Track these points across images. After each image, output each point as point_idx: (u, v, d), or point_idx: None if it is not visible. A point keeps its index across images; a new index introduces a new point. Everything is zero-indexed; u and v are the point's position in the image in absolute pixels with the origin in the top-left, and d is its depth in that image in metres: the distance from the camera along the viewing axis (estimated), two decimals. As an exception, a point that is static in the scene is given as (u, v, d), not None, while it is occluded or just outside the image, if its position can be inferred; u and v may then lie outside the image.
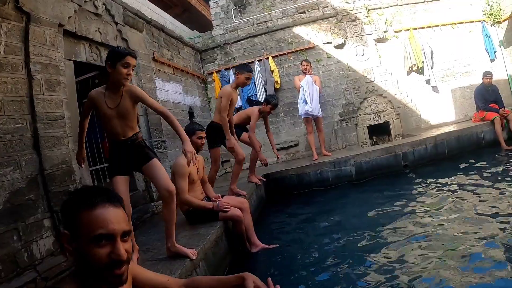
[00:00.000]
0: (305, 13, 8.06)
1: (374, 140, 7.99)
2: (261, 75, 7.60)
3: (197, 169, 3.56)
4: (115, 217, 1.15)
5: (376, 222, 3.84)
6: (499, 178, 4.61)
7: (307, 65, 6.95)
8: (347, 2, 8.13)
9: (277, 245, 3.66)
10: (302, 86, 6.69)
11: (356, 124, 7.77)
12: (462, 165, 5.67)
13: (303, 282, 2.80)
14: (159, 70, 5.68)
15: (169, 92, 5.96)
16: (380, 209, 4.32)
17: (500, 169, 5.10)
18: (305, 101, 6.62)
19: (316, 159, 6.59)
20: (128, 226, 1.19)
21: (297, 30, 8.07)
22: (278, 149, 7.05)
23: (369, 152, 6.47)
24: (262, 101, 6.03)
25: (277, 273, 3.06)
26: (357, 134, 7.78)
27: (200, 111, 7.29)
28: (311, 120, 6.83)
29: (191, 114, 6.55)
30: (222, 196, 3.80)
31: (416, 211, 3.97)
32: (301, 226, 4.40)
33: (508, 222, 3.05)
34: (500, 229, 2.95)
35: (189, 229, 3.42)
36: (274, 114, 7.40)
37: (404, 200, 4.49)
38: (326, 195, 5.74)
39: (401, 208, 4.20)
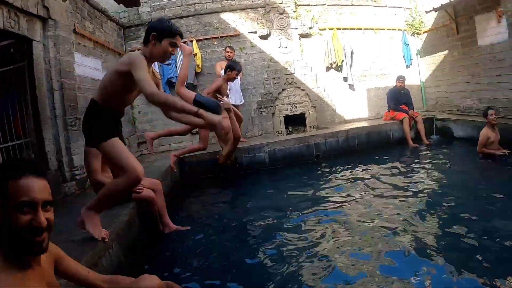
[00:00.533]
0: (234, 0, 8.53)
1: (290, 130, 8.73)
2: (183, 58, 7.67)
3: None
4: (38, 187, 1.31)
5: (286, 206, 4.34)
6: (403, 171, 5.65)
7: (230, 52, 7.51)
8: (277, -5, 8.87)
9: (189, 227, 3.86)
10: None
11: (273, 114, 8.44)
12: (370, 158, 6.65)
13: (214, 263, 3.07)
14: (79, 43, 5.61)
15: (88, 68, 5.88)
16: (291, 194, 4.96)
17: (404, 164, 6.14)
18: None
19: None
20: (50, 197, 1.36)
21: (225, 16, 8.49)
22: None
23: (284, 141, 7.18)
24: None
25: (189, 254, 3.30)
26: (273, 123, 8.45)
27: (119, 89, 7.31)
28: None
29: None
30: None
31: (325, 198, 4.60)
32: (214, 209, 4.74)
33: (407, 207, 3.86)
34: (398, 214, 3.70)
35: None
36: None
37: (313, 187, 5.15)
38: (240, 180, 6.27)
39: (310, 194, 4.84)
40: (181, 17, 8.24)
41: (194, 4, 8.31)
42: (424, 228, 3.22)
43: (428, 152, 7.02)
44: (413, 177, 5.17)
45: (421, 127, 7.93)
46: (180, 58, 7.56)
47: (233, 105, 6.93)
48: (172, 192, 5.22)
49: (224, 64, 7.12)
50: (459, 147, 7.22)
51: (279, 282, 2.60)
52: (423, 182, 4.84)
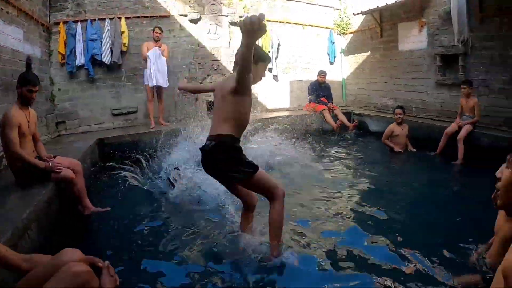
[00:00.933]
0: None
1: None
2: (109, 35, 7.80)
3: (28, 122, 3.58)
4: None
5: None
6: (324, 156, 6.88)
7: (159, 33, 7.66)
8: (212, -20, 9.49)
9: (109, 208, 4.05)
10: (149, 58, 7.41)
11: (196, 99, 9.03)
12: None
13: (132, 245, 3.28)
14: (1, 9, 5.37)
15: (9, 37, 5.60)
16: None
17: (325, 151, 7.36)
18: (151, 74, 7.38)
19: (153, 128, 7.49)
20: None
21: None
22: (117, 115, 8.09)
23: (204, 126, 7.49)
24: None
25: (110, 234, 3.53)
26: (195, 108, 8.91)
27: (38, 63, 7.00)
28: (154, 88, 7.69)
29: (28, 65, 6.12)
30: (54, 157, 3.91)
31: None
32: (132, 191, 4.86)
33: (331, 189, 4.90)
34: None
35: (20, 190, 3.46)
36: (117, 77, 8.19)
37: None
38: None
39: None
40: (112, -9, 8.33)
41: (127, -22, 8.45)
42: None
43: (345, 143, 8.31)
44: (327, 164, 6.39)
45: (342, 116, 9.21)
46: (107, 34, 7.71)
47: (157, 86, 7.52)
48: (92, 173, 5.40)
49: (151, 45, 7.56)
50: (373, 140, 8.50)
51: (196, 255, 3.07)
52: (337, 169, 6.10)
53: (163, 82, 7.64)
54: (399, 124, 7.00)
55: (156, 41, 7.59)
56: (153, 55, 7.41)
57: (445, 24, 7.84)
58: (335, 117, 9.20)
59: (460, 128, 6.42)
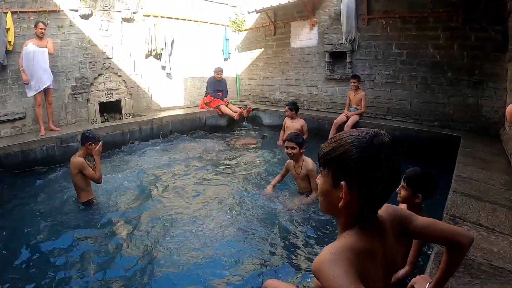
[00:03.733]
0: None
1: (106, 117, 9.78)
2: None
3: None
4: None
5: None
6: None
7: (44, 28, 7.55)
8: (107, -28, 9.33)
9: None
10: (27, 57, 7.32)
11: (88, 100, 9.23)
12: (181, 144, 8.68)
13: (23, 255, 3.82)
14: None
15: None
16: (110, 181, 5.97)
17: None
18: (32, 77, 7.38)
19: (43, 135, 7.46)
20: None
21: None
22: (3, 122, 7.88)
23: (98, 129, 7.77)
24: None
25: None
26: (88, 110, 9.25)
27: None
28: (42, 91, 7.57)
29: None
30: None
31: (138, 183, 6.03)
32: (16, 210, 5.12)
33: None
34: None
35: None
36: (1, 80, 7.94)
37: (126, 173, 6.48)
38: (51, 173, 6.69)
39: (122, 182, 6.06)
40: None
41: (14, -33, 7.84)
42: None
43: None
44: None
45: (236, 108, 10.48)
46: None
47: (45, 89, 7.54)
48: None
49: (36, 42, 7.38)
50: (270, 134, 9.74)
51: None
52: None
53: (48, 80, 7.54)
54: (290, 118, 7.96)
55: (40, 38, 7.43)
56: (31, 53, 7.25)
57: (334, 23, 9.34)
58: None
59: (348, 118, 7.93)
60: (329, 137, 7.79)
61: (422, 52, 7.81)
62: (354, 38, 8.86)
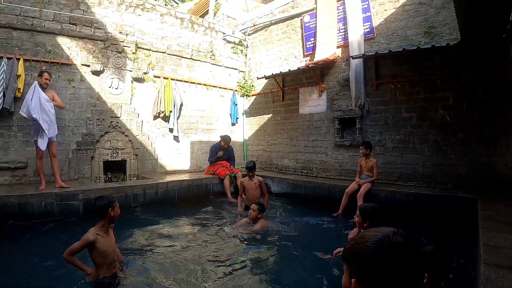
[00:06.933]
0: (76, 25, 9.06)
1: (109, 176, 9.72)
2: (4, 77, 7.72)
3: None
4: None
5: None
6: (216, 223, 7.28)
7: (49, 79, 7.48)
8: (120, 32, 9.84)
9: None
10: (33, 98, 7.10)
11: (92, 157, 9.21)
12: (184, 212, 8.19)
13: None
14: None
15: None
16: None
17: (219, 216, 7.85)
18: (42, 133, 7.20)
19: (43, 189, 7.21)
20: None
21: (61, 40, 8.82)
22: (3, 169, 7.83)
23: (100, 189, 7.59)
24: None
25: None
26: (91, 167, 9.21)
27: None
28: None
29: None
30: None
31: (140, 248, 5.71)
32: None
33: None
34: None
35: None
36: (6, 126, 8.00)
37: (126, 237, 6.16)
38: (47, 230, 6.48)
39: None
40: (15, 28, 8.15)
41: (33, 18, 8.37)
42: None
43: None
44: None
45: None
46: (2, 76, 7.59)
47: (49, 141, 7.32)
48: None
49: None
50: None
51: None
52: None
53: (53, 132, 7.39)
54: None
55: (44, 88, 7.33)
56: (37, 94, 7.06)
57: (343, 89, 9.56)
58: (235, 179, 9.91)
59: (359, 186, 7.68)
60: (341, 205, 7.61)
61: (432, 115, 7.99)
62: (364, 104, 9.06)
